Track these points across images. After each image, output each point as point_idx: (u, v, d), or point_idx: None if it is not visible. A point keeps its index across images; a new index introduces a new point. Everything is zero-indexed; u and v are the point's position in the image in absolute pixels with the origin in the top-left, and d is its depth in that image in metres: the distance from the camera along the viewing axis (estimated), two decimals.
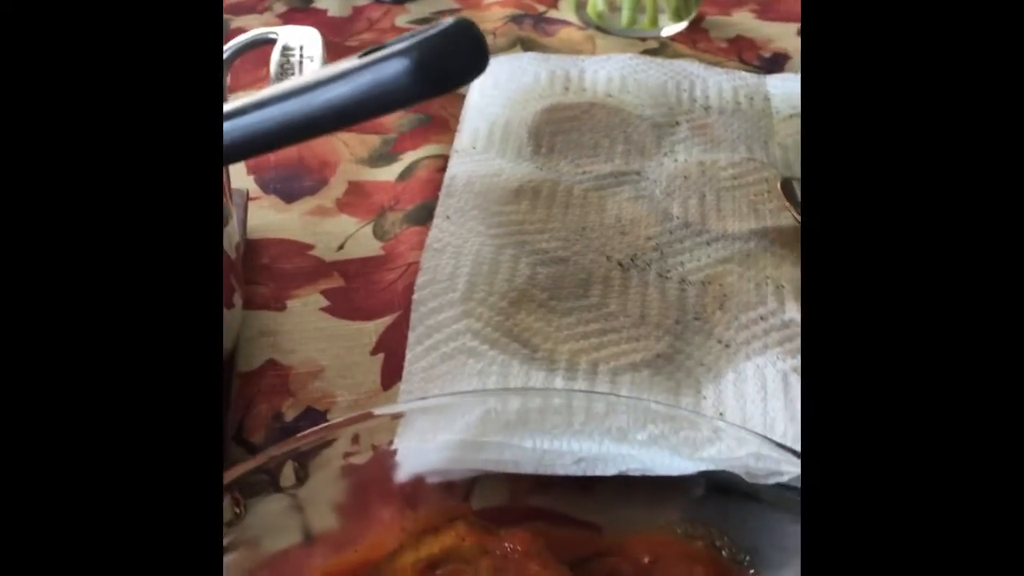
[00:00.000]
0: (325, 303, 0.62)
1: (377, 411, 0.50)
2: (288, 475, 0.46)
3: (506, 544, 0.46)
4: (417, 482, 0.49)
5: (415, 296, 0.56)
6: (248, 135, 0.41)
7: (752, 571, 0.45)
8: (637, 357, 0.52)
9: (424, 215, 0.67)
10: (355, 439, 0.48)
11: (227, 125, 0.40)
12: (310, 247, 0.66)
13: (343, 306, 0.62)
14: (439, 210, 0.64)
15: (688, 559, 0.46)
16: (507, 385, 0.50)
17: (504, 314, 0.54)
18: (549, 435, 0.48)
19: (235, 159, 0.43)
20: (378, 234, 0.67)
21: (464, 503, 0.49)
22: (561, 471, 0.48)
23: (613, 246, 0.60)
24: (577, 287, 0.57)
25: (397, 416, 0.48)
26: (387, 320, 0.61)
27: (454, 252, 0.59)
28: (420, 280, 0.57)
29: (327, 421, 0.53)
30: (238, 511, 0.45)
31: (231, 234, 0.56)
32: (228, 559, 0.46)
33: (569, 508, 0.51)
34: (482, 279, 0.56)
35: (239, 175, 0.71)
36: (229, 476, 0.44)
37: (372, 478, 0.48)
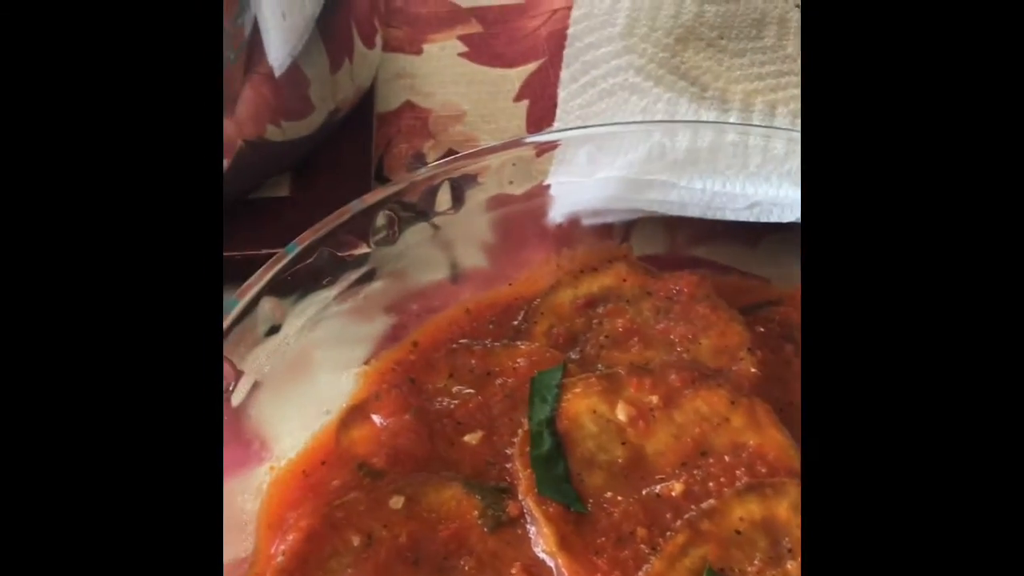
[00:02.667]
0: (463, 48, 0.58)
1: (531, 138, 0.46)
2: (444, 200, 0.43)
3: (671, 286, 0.43)
4: (572, 223, 0.46)
5: (569, 31, 0.51)
6: None
7: None
8: None
9: None
10: (507, 169, 0.44)
11: None
12: None
13: (483, 52, 0.58)
14: None
15: None
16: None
17: (670, 51, 0.49)
18: (721, 176, 0.43)
19: None
20: None
21: (624, 245, 0.46)
22: (731, 216, 0.44)
23: None
24: (749, 27, 0.51)
25: (552, 145, 0.44)
26: (531, 67, 0.56)
27: None
28: (575, 14, 0.52)
29: None
30: (392, 232, 0.42)
31: None
32: (374, 287, 0.44)
33: (733, 260, 0.47)
34: (644, 14, 0.50)
35: None
36: (383, 193, 0.41)
37: (524, 215, 0.45)
